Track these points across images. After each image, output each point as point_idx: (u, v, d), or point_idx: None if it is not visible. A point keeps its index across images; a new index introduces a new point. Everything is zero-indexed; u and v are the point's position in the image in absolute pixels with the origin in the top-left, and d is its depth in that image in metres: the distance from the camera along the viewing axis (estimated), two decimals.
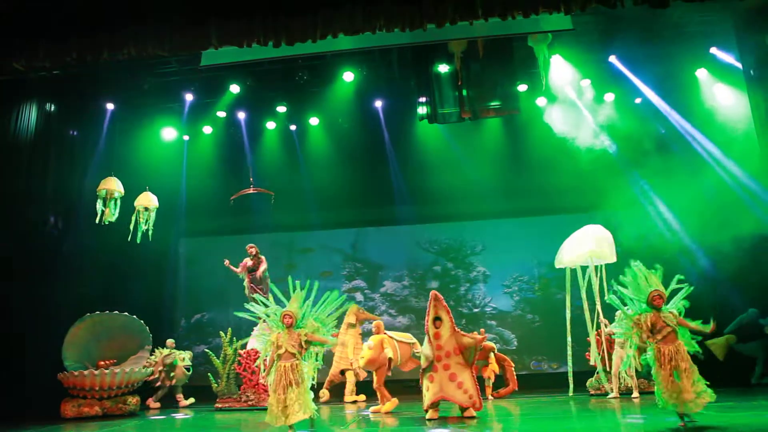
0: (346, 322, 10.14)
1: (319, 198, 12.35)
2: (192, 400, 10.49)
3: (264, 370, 6.22)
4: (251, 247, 10.06)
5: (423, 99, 11.07)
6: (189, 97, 11.63)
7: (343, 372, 10.07)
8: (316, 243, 13.00)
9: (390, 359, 7.93)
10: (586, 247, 8.99)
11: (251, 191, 11.39)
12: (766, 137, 9.71)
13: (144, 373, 9.46)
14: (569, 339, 9.45)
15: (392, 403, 8.13)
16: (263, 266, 9.95)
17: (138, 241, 10.16)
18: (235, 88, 11.43)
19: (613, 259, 9.03)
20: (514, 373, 9.94)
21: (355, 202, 12.58)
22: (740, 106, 10.37)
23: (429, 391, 6.94)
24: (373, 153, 12.44)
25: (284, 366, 5.79)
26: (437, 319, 7.02)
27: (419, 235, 12.82)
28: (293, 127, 12.54)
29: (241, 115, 12.31)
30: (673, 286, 5.85)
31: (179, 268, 13.16)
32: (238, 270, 10.01)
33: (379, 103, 12.14)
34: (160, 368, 10.14)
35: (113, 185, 10.04)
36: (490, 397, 9.55)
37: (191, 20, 7.69)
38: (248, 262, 10.01)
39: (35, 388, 9.27)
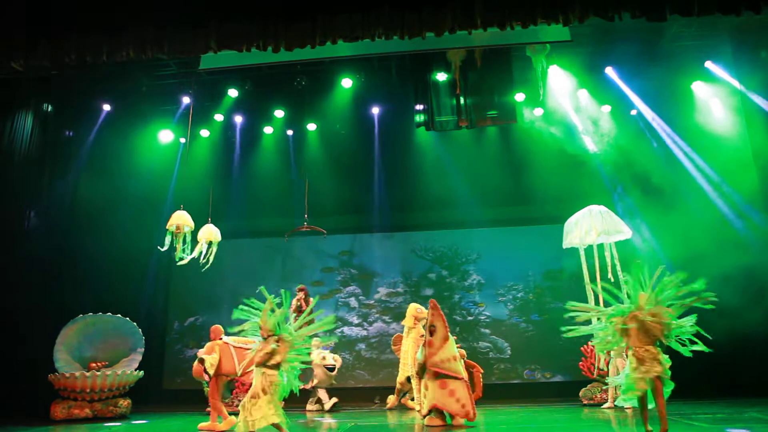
0: (406, 326, 9.24)
1: (315, 203, 12.34)
2: (335, 399, 9.73)
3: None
4: (300, 290, 9.70)
5: (420, 107, 11.13)
6: (187, 100, 11.63)
7: (409, 379, 9.15)
8: (311, 248, 12.99)
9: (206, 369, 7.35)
10: (596, 224, 8.99)
11: (305, 229, 11.36)
12: (761, 152, 9.84)
13: (135, 376, 9.40)
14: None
15: (228, 422, 7.36)
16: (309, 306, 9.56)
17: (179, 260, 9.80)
18: (233, 92, 11.45)
19: (628, 233, 9.06)
20: (482, 380, 9.67)
21: (350, 208, 12.59)
22: (734, 121, 10.50)
23: (426, 398, 6.98)
24: (369, 159, 12.46)
25: (260, 372, 5.85)
26: (432, 326, 7.06)
27: (414, 242, 12.82)
28: (290, 132, 12.56)
29: (239, 119, 12.32)
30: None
31: (173, 270, 13.09)
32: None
33: (376, 110, 12.17)
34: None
35: (183, 220, 9.59)
36: None
37: (191, 23, 7.72)
38: (294, 304, 9.53)
39: (25, 389, 9.21)
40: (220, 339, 7.67)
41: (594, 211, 9.26)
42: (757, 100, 10.08)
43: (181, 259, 9.66)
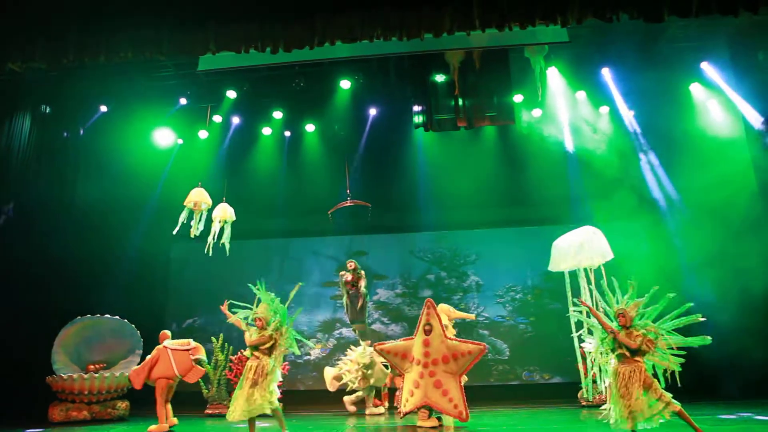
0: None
1: (314, 204, 12.33)
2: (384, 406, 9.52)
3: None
4: (350, 263, 9.61)
5: (419, 108, 11.12)
6: (184, 102, 11.61)
7: None
8: (309, 250, 12.98)
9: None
10: (591, 250, 8.89)
11: (348, 204, 11.16)
12: (760, 158, 9.84)
13: None
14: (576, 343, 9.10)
15: (162, 426, 7.57)
16: (363, 281, 9.51)
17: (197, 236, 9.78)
18: (231, 94, 11.44)
19: (611, 255, 8.97)
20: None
21: (349, 210, 12.56)
22: (732, 125, 10.53)
23: (413, 396, 6.97)
24: (368, 160, 12.44)
25: (251, 365, 6.09)
26: (428, 325, 7.11)
27: (413, 244, 12.82)
28: (287, 134, 12.56)
29: (237, 120, 12.30)
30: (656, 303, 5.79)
31: (171, 272, 13.08)
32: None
33: (375, 111, 12.16)
34: (356, 368, 9.24)
35: (202, 197, 9.66)
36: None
37: (190, 24, 7.71)
38: (348, 276, 9.52)
39: (23, 391, 9.18)
40: (161, 344, 8.01)
41: (591, 232, 9.14)
42: (755, 103, 10.13)
43: (196, 236, 9.64)
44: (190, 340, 8.27)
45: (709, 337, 5.64)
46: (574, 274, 9.10)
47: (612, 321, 5.77)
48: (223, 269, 12.25)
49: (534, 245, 11.89)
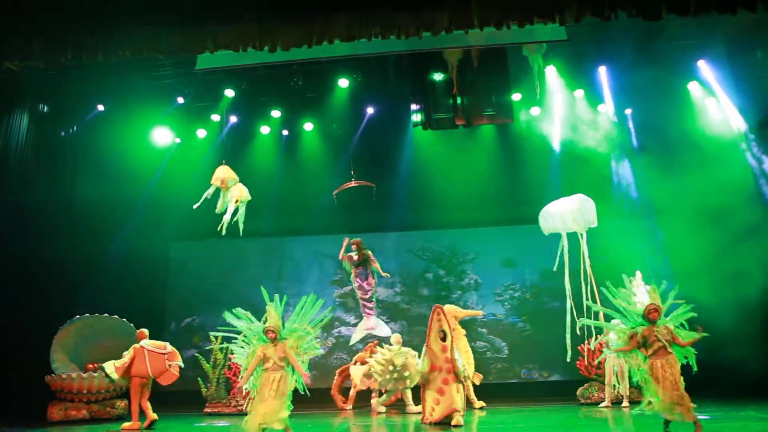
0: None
1: (312, 203, 12.32)
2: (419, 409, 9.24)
3: (242, 379, 6.27)
4: (354, 243, 9.45)
5: (417, 106, 11.11)
6: (182, 101, 11.59)
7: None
8: (308, 249, 12.97)
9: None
10: (582, 213, 8.95)
11: (353, 184, 10.96)
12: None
13: None
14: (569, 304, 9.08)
15: (134, 424, 7.64)
16: (376, 264, 9.37)
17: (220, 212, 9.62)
18: (230, 92, 11.42)
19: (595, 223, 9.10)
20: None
21: (347, 208, 12.55)
22: (730, 124, 10.53)
23: (440, 405, 6.97)
24: (367, 159, 12.42)
25: (272, 377, 5.90)
26: (441, 332, 7.12)
27: (412, 242, 12.81)
28: (285, 132, 12.54)
29: (235, 119, 12.27)
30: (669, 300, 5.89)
31: (170, 271, 13.07)
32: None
33: (373, 110, 12.15)
34: (390, 368, 8.72)
35: (228, 174, 9.55)
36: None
37: (188, 23, 7.69)
38: (354, 256, 9.37)
39: (22, 390, 9.18)
40: (138, 343, 8.03)
41: (583, 199, 9.22)
42: (753, 103, 10.13)
43: (223, 212, 9.59)
44: (167, 344, 8.23)
45: (706, 333, 5.77)
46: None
47: (626, 317, 5.86)
48: (222, 268, 12.26)
49: (533, 244, 11.90)
